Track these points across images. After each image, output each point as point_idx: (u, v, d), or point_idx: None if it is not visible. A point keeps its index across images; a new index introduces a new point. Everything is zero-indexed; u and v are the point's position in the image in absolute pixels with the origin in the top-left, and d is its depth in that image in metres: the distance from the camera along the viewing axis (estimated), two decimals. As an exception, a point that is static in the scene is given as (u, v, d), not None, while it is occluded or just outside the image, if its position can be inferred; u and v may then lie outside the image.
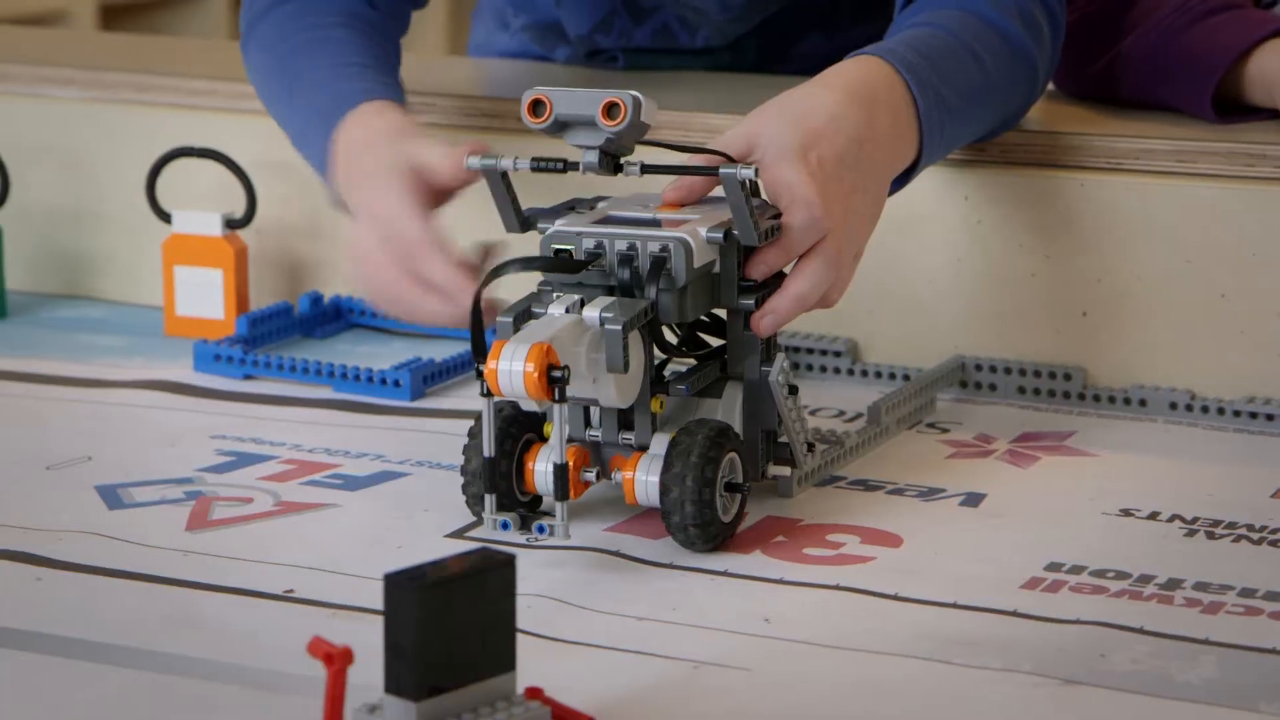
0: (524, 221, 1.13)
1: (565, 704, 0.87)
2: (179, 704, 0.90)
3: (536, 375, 1.00)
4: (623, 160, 1.09)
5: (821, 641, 0.97)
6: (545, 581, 1.03)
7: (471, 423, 1.10)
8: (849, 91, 1.16)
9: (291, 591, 1.02)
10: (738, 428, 1.10)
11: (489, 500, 1.06)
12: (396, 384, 1.33)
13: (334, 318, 1.47)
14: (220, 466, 1.20)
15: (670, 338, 1.13)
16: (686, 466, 1.05)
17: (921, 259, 1.35)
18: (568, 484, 1.04)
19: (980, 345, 1.34)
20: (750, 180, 1.07)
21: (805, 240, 1.11)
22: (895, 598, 1.02)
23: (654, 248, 1.07)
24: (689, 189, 1.13)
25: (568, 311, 1.05)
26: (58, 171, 1.54)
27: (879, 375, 1.36)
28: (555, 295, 1.07)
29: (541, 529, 1.04)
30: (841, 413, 1.30)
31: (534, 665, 0.91)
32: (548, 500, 1.09)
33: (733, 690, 0.92)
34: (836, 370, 1.36)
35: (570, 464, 1.06)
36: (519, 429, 1.09)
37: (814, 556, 1.07)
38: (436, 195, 1.20)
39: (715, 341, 1.14)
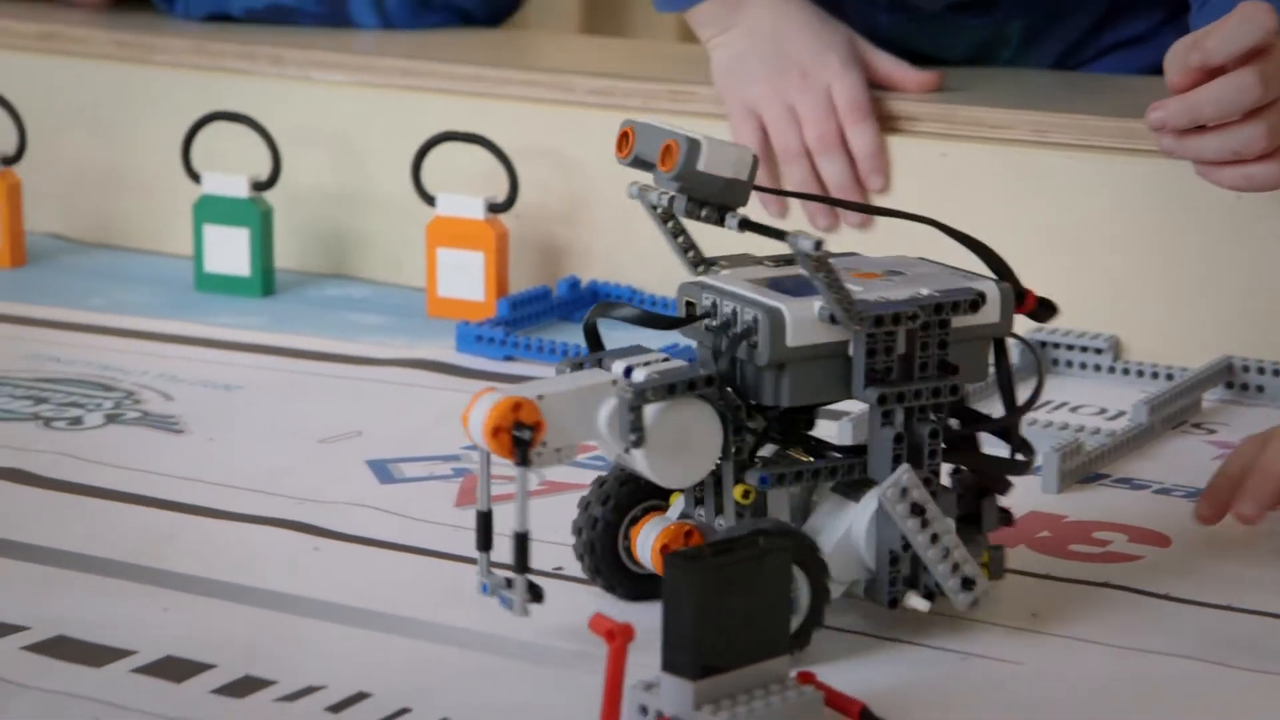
0: (695, 262, 0.99)
1: (837, 689, 0.88)
2: (458, 674, 0.92)
3: (492, 429, 0.88)
4: (726, 214, 0.96)
5: (1091, 638, 0.96)
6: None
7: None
8: None
9: (561, 569, 1.04)
10: (865, 541, 0.94)
11: (481, 558, 0.94)
12: (655, 369, 1.34)
13: (590, 301, 1.49)
14: (486, 445, 1.22)
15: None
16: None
17: (1188, 255, 1.33)
18: (526, 554, 0.91)
19: (1248, 345, 1.32)
20: (812, 254, 0.88)
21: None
22: (1167, 597, 1.01)
23: (749, 315, 0.92)
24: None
25: (628, 370, 0.93)
26: (326, 154, 1.58)
27: (1140, 374, 1.34)
28: (639, 355, 0.95)
29: (504, 600, 0.92)
30: (1103, 410, 1.29)
31: (805, 651, 0.92)
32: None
33: (1002, 683, 0.92)
34: (1098, 368, 1.35)
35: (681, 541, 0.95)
36: (641, 493, 0.98)
37: (1080, 553, 1.06)
38: None
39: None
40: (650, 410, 0.91)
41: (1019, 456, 0.97)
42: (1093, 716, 0.89)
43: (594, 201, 1.50)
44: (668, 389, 0.91)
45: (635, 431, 0.91)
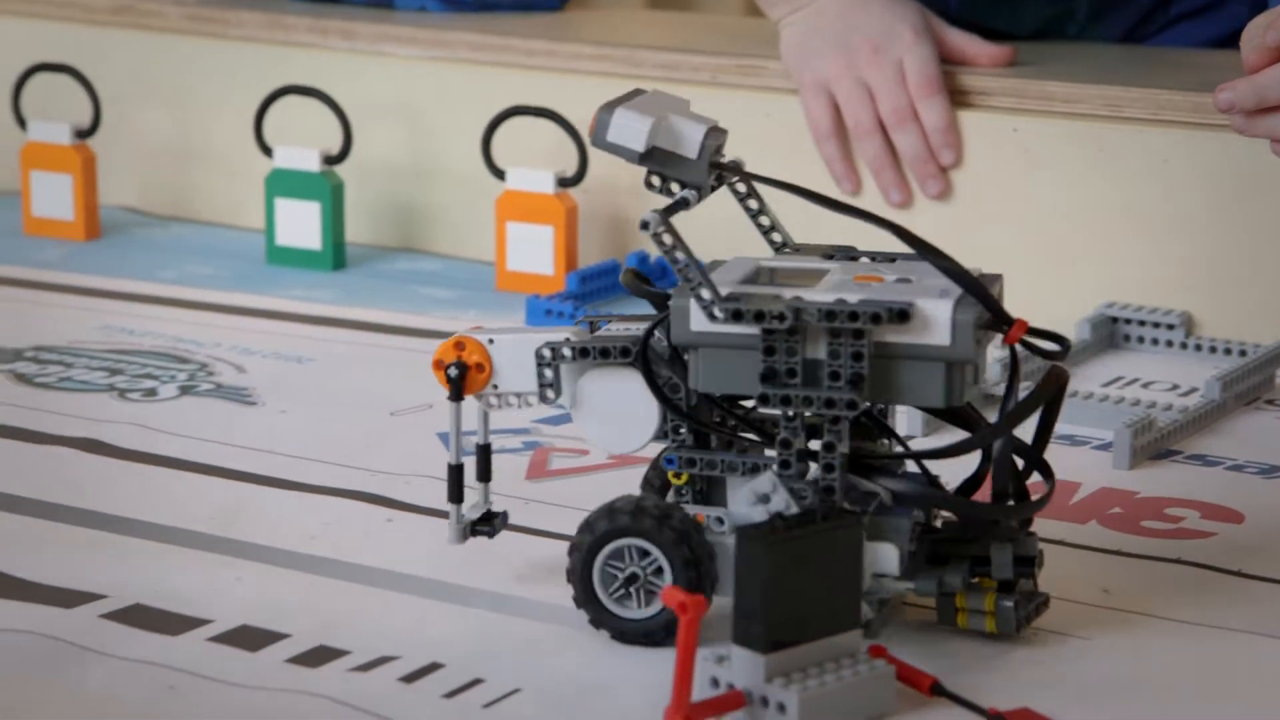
0: (777, 244, 0.98)
1: (908, 663, 0.88)
2: (530, 645, 0.93)
3: (435, 362, 0.96)
4: (676, 188, 0.93)
5: (1162, 614, 0.96)
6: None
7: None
8: None
9: (631, 542, 1.04)
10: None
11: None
12: (724, 343, 1.34)
13: (660, 276, 1.49)
14: (556, 419, 1.23)
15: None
16: (579, 533, 0.93)
17: (1261, 230, 1.32)
18: (460, 485, 0.97)
19: (1323, 321, 1.31)
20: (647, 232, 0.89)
21: None
22: (1239, 574, 1.00)
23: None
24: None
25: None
26: (397, 128, 1.59)
27: (1213, 350, 1.33)
28: (631, 321, 0.97)
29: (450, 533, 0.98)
30: (1175, 386, 1.28)
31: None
32: None
33: (1073, 659, 0.92)
34: (1169, 344, 1.34)
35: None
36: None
37: (1152, 529, 1.06)
38: None
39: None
40: (568, 369, 0.94)
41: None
42: (1164, 693, 0.89)
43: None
44: (580, 352, 0.94)
45: (545, 386, 0.95)
